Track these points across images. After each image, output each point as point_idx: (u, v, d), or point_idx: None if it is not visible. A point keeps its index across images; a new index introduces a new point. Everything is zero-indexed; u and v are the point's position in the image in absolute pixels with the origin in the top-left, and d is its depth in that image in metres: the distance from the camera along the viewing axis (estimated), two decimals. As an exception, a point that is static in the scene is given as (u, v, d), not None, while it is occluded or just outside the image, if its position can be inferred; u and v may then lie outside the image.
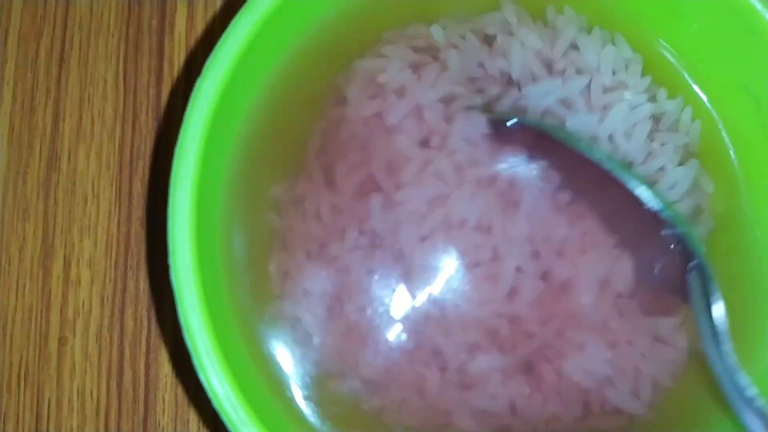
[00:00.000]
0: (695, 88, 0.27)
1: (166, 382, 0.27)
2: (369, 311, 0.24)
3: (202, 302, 0.20)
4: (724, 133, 0.27)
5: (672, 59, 0.27)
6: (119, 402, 0.27)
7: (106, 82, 0.30)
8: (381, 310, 0.24)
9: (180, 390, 0.27)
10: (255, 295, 0.25)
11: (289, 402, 0.23)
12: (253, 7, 0.22)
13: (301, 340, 0.24)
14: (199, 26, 0.30)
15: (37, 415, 0.27)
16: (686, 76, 0.27)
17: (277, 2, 0.22)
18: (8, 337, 0.28)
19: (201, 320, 0.20)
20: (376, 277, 0.24)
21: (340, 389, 0.24)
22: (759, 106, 0.26)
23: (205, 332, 0.20)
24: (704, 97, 0.27)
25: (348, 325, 0.24)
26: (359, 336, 0.24)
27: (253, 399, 0.20)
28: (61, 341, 0.28)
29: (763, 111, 0.26)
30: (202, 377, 0.20)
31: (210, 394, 0.20)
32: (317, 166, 0.25)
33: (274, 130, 0.25)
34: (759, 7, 0.24)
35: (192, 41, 0.30)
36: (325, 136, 0.25)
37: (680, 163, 0.26)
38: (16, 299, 0.28)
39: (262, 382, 0.23)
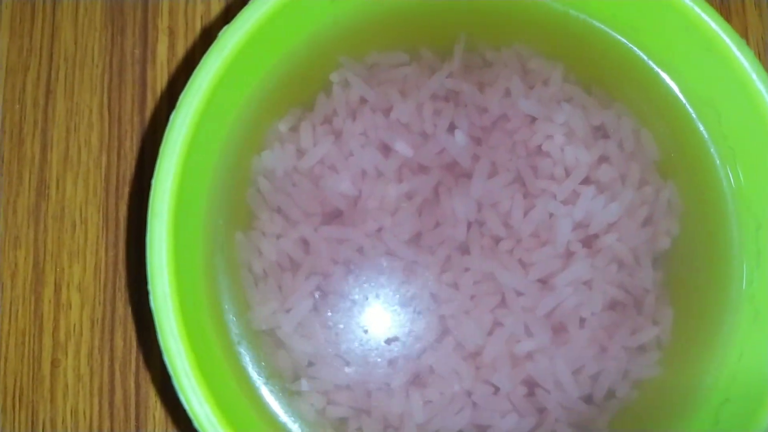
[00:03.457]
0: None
1: (155, 401, 0.28)
2: (341, 324, 0.26)
3: (181, 327, 0.21)
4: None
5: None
6: (111, 421, 0.28)
7: (91, 111, 0.31)
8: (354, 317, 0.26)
9: (170, 408, 0.28)
10: (233, 310, 0.26)
11: (272, 417, 0.24)
12: (222, 44, 0.23)
13: (275, 351, 0.26)
14: (180, 54, 0.32)
15: (32, 435, 0.28)
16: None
17: (244, 38, 0.23)
18: (2, 361, 0.29)
19: (180, 344, 0.21)
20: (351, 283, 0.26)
21: (313, 401, 0.26)
22: (719, 117, 0.27)
23: (185, 356, 0.21)
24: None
25: (323, 337, 0.26)
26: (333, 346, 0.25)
27: (232, 416, 0.21)
28: (54, 363, 0.29)
29: (723, 122, 0.27)
30: (182, 399, 0.21)
31: (191, 416, 0.21)
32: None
33: (236, 166, 0.26)
34: (714, 26, 0.25)
35: (173, 69, 0.31)
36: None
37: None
38: (9, 324, 0.29)
39: (240, 396, 0.24)
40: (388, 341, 0.26)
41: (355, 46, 0.28)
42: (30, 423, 0.28)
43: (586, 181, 0.27)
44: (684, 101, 0.28)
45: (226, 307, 0.25)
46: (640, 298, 0.27)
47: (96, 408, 0.28)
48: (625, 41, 0.28)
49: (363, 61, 0.28)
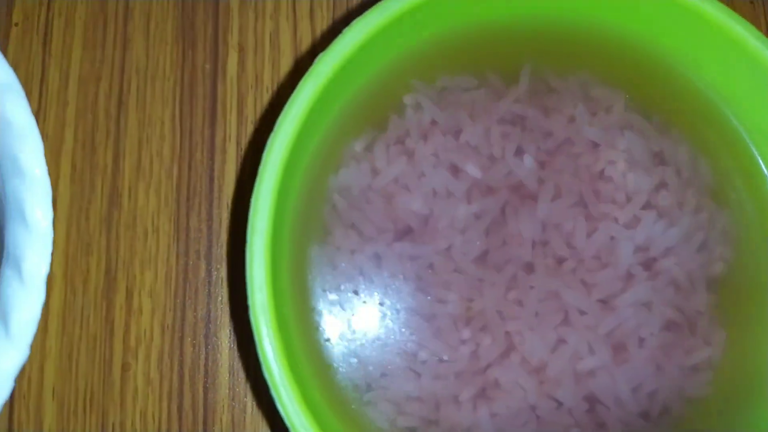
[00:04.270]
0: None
1: (223, 405, 0.29)
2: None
3: (277, 337, 0.22)
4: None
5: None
6: (180, 424, 0.29)
7: (163, 123, 0.32)
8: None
9: (236, 412, 0.29)
10: (309, 321, 0.27)
11: (353, 425, 0.25)
12: (319, 69, 0.24)
13: (349, 362, 0.27)
14: (249, 71, 0.33)
15: (102, 437, 0.29)
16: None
17: (338, 65, 0.24)
18: (74, 365, 0.29)
19: (276, 353, 0.22)
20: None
21: (385, 411, 0.27)
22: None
23: (280, 363, 0.22)
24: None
25: (395, 349, 0.27)
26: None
27: (323, 425, 0.22)
28: (125, 367, 0.29)
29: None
30: (280, 408, 0.22)
31: (288, 424, 0.22)
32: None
33: (315, 184, 0.28)
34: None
35: (243, 85, 0.33)
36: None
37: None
38: (81, 329, 0.30)
39: (325, 407, 0.25)
40: (456, 355, 0.27)
41: (426, 70, 0.29)
42: (100, 426, 0.29)
43: (646, 205, 0.28)
44: (741, 131, 0.29)
45: (303, 317, 0.26)
46: (694, 320, 0.28)
47: (165, 412, 0.29)
48: (686, 72, 0.29)
49: (434, 85, 0.29)
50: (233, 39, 0.33)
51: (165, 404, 0.29)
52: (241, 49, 0.33)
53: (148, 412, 0.29)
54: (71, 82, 0.32)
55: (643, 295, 0.27)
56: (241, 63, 0.33)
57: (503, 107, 0.29)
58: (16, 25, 0.33)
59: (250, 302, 0.22)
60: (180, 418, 0.29)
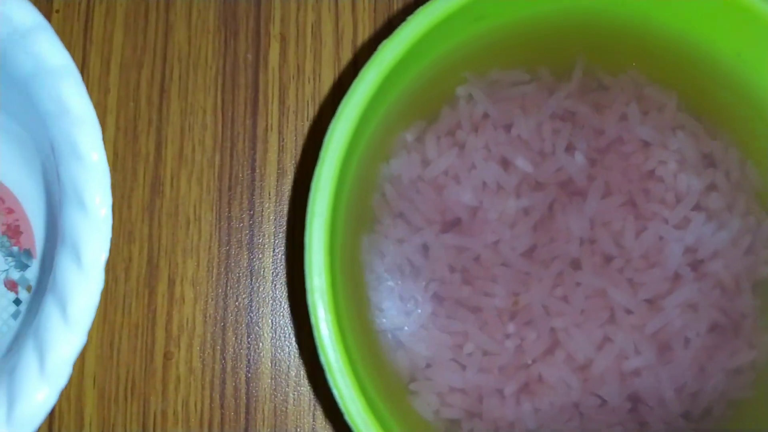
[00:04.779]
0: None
1: (265, 395, 0.29)
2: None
3: (334, 324, 0.22)
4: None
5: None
6: (222, 413, 0.29)
7: (205, 111, 0.32)
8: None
9: (278, 402, 0.29)
10: (358, 310, 0.27)
11: (400, 415, 0.25)
12: (382, 57, 0.24)
13: (395, 351, 0.27)
14: (291, 61, 0.32)
15: (143, 425, 0.29)
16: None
17: (400, 53, 0.24)
18: (116, 353, 0.29)
19: (333, 341, 0.22)
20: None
21: (429, 401, 0.27)
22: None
23: (338, 352, 0.22)
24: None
25: (440, 340, 0.27)
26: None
27: (376, 413, 0.22)
28: (167, 356, 0.29)
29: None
30: (336, 394, 0.22)
31: (343, 410, 0.22)
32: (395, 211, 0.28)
33: (367, 172, 0.27)
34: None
35: (284, 75, 0.32)
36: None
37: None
38: (123, 317, 0.30)
39: (374, 394, 0.25)
40: (501, 349, 0.27)
41: (479, 63, 0.29)
42: (141, 414, 0.29)
43: (696, 207, 0.28)
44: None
45: (355, 304, 0.26)
46: (738, 323, 0.28)
47: (207, 400, 0.29)
48: (739, 74, 0.29)
49: (485, 78, 0.29)
50: (275, 29, 0.33)
51: (207, 393, 0.29)
52: (283, 39, 0.33)
53: (191, 400, 0.29)
54: (113, 68, 0.32)
55: (690, 296, 0.27)
56: (283, 53, 0.33)
57: (554, 103, 0.28)
58: (57, 11, 0.33)
59: (308, 286, 0.22)
60: (222, 407, 0.29)
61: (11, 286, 0.30)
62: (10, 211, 0.30)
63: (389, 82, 0.25)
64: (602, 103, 0.29)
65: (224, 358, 0.30)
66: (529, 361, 0.27)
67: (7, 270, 0.30)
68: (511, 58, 0.29)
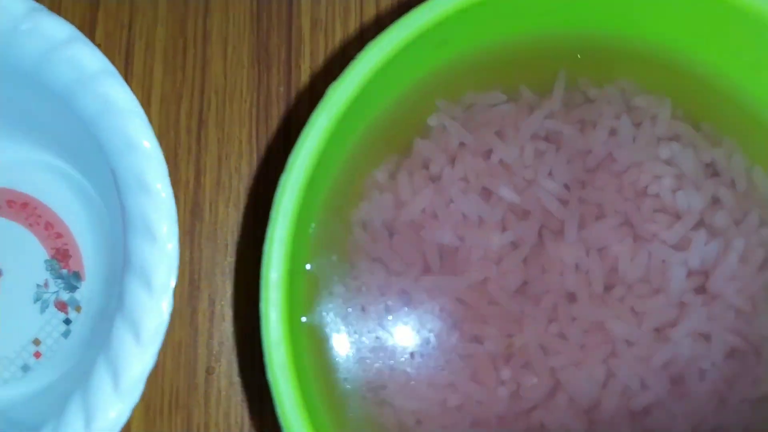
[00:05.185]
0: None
1: (301, 409, 0.31)
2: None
3: (296, 388, 0.22)
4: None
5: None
6: (259, 427, 0.31)
7: (240, 142, 0.34)
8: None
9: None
10: (335, 365, 0.26)
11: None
12: (331, 100, 0.23)
13: (380, 410, 0.26)
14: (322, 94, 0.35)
15: (187, 437, 0.31)
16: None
17: (356, 90, 0.23)
18: (161, 368, 0.31)
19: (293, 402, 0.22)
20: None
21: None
22: None
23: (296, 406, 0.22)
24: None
25: (430, 394, 0.25)
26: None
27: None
28: (208, 371, 0.31)
29: None
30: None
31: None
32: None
33: (337, 216, 0.27)
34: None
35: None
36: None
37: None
38: (167, 334, 0.32)
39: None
40: (497, 397, 0.25)
41: (451, 87, 0.27)
42: (185, 427, 0.31)
43: (698, 224, 0.26)
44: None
45: (330, 360, 0.26)
46: (759, 346, 0.26)
47: (247, 414, 0.31)
48: (735, 76, 0.27)
49: (459, 102, 0.27)
50: (305, 64, 0.35)
51: (247, 407, 0.31)
52: (313, 73, 0.35)
53: (231, 414, 0.31)
54: (153, 101, 0.34)
55: (699, 322, 0.25)
56: (312, 87, 0.35)
57: (535, 122, 0.27)
58: (99, 46, 0.35)
59: (267, 361, 0.22)
60: (261, 421, 0.31)
61: (61, 306, 0.31)
62: (59, 235, 0.32)
63: (347, 122, 0.23)
64: (589, 118, 0.27)
65: (262, 373, 0.31)
66: (529, 408, 0.25)
67: (57, 292, 0.32)
68: (486, 78, 0.28)
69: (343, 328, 0.26)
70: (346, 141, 0.25)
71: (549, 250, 0.26)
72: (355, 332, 0.26)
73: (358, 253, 0.26)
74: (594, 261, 0.26)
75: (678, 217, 0.27)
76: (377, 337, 0.26)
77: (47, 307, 0.31)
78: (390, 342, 0.26)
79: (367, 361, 0.26)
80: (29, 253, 0.30)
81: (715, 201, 0.27)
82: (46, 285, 0.31)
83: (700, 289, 0.26)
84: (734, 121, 0.27)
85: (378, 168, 0.27)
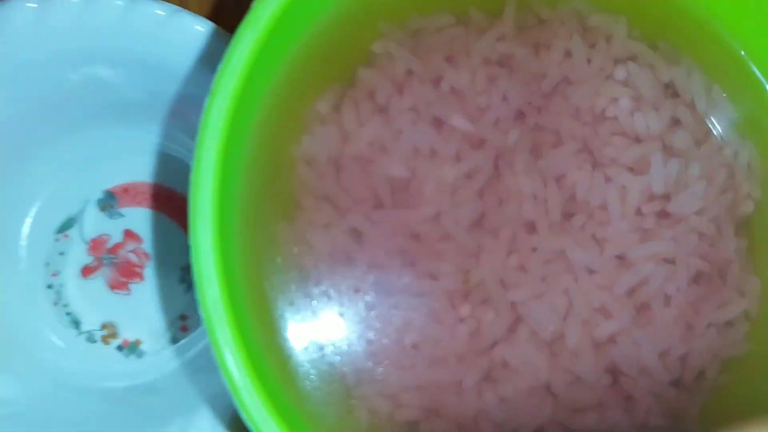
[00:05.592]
0: None
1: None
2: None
3: (236, 334, 0.20)
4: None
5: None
6: None
7: None
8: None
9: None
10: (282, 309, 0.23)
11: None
12: (257, 15, 0.21)
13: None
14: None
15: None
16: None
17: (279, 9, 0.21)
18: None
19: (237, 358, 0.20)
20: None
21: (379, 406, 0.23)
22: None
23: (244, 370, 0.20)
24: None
25: (386, 336, 0.24)
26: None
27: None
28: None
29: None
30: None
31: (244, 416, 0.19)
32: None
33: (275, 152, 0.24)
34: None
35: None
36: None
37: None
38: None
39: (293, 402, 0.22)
40: (456, 335, 0.23)
41: (395, 10, 0.25)
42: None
43: (658, 146, 0.25)
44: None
45: (277, 305, 0.23)
46: (723, 269, 0.25)
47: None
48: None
49: (406, 27, 0.25)
50: None
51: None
52: None
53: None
54: None
55: (662, 246, 0.24)
56: None
57: (486, 45, 0.25)
58: None
59: (198, 297, 0.19)
60: None
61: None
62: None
63: (276, 43, 0.21)
64: (542, 40, 0.26)
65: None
66: (490, 345, 0.24)
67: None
68: (435, 0, 0.25)
69: (289, 268, 0.24)
70: (279, 62, 0.23)
71: (506, 181, 0.25)
72: (303, 278, 0.24)
73: (303, 192, 0.24)
74: (551, 189, 0.25)
75: (638, 140, 0.25)
76: (328, 279, 0.24)
77: (192, 288, 0.28)
78: (340, 282, 0.24)
79: (314, 305, 0.24)
80: (173, 240, 0.32)
81: (675, 122, 0.26)
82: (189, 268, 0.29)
83: (663, 213, 0.25)
84: (692, 38, 0.27)
85: (320, 99, 0.25)
